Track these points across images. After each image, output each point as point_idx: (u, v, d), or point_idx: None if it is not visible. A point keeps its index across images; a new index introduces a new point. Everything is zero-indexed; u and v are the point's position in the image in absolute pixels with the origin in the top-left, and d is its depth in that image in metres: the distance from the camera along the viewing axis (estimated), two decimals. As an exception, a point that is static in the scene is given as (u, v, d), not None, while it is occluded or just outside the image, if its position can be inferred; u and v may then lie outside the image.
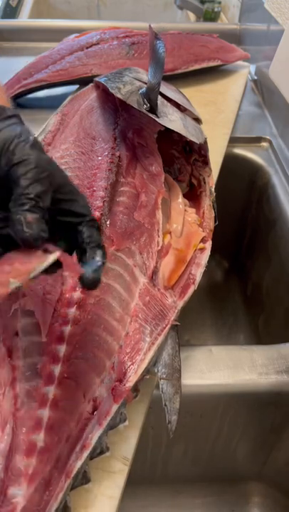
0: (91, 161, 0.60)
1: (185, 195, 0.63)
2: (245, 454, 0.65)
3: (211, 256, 0.56)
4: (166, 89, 0.69)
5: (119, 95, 0.61)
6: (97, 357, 0.44)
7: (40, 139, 0.68)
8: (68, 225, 0.37)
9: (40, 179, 0.35)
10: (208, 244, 0.57)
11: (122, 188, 0.57)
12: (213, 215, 0.61)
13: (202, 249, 0.56)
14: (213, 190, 0.64)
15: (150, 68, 0.58)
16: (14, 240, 0.34)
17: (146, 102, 0.60)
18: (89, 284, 0.36)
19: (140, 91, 0.62)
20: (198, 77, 1.01)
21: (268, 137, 0.90)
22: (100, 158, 0.60)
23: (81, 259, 0.37)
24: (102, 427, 0.40)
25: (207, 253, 0.56)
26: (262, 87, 1.03)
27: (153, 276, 0.51)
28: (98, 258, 0.36)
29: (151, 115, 0.58)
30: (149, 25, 0.56)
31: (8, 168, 0.35)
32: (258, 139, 0.91)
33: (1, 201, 0.35)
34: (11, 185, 0.35)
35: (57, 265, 0.34)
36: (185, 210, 0.60)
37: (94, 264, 0.36)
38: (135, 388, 0.43)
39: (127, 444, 0.44)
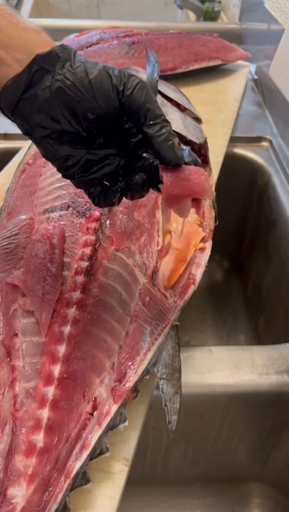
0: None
1: (185, 195, 0.63)
2: (246, 454, 0.65)
3: (211, 256, 0.56)
4: (166, 88, 0.69)
5: (119, 95, 0.61)
6: (96, 357, 0.43)
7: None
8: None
9: (155, 98, 0.37)
10: (209, 244, 0.57)
11: (121, 188, 0.57)
12: (213, 214, 0.61)
13: (202, 249, 0.56)
14: (213, 190, 0.64)
15: (148, 68, 0.58)
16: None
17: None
18: (195, 163, 0.42)
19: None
20: (199, 76, 1.01)
21: (268, 137, 0.90)
22: (99, 157, 0.60)
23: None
24: (101, 427, 0.40)
25: (207, 253, 0.56)
26: (262, 87, 1.02)
27: (153, 276, 0.51)
28: (185, 147, 0.43)
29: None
30: (143, 33, 0.56)
31: (125, 99, 0.36)
32: (259, 139, 0.91)
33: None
34: (125, 117, 0.37)
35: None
36: (185, 210, 0.60)
37: (187, 152, 0.45)
38: (135, 388, 0.43)
39: (126, 444, 0.44)
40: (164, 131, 0.36)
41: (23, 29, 0.36)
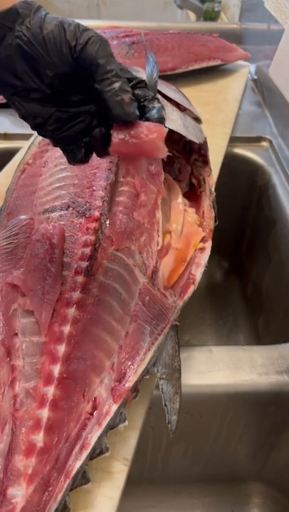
0: (90, 160, 0.60)
1: (185, 195, 0.63)
2: (245, 454, 0.65)
3: (211, 256, 0.56)
4: (166, 88, 0.69)
5: (119, 95, 0.61)
6: (96, 357, 0.43)
7: (40, 138, 0.68)
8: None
9: (111, 53, 0.36)
10: (208, 244, 0.57)
11: (121, 188, 0.57)
12: (213, 214, 0.61)
13: (202, 249, 0.56)
14: (213, 190, 0.64)
15: (147, 68, 0.58)
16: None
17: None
18: (158, 120, 0.39)
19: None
20: (199, 76, 1.01)
21: (268, 137, 0.90)
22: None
23: (144, 114, 0.39)
24: (101, 427, 0.40)
25: (207, 253, 0.56)
26: (262, 87, 1.03)
27: (153, 276, 0.51)
28: (157, 104, 0.40)
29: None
30: (142, 33, 0.56)
31: (77, 54, 0.35)
32: (258, 139, 0.91)
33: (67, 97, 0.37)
34: (82, 72, 0.35)
35: None
36: (185, 210, 0.60)
37: (156, 109, 0.40)
38: (135, 388, 0.43)
39: (126, 444, 0.44)
40: (113, 86, 0.35)
41: None
